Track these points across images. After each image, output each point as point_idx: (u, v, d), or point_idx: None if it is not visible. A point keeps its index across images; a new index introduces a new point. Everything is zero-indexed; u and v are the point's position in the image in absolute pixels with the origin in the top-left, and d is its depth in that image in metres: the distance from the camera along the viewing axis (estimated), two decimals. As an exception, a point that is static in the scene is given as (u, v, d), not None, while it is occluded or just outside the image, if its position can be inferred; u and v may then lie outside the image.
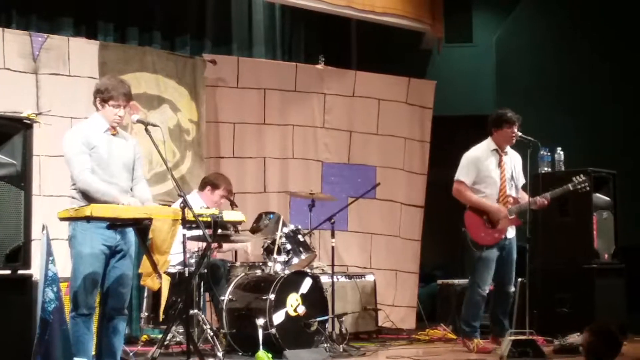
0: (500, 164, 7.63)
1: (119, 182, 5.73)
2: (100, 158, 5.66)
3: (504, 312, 7.66)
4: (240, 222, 6.03)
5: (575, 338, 7.17)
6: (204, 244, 6.44)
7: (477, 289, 7.54)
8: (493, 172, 7.60)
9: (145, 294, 7.45)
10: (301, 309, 7.23)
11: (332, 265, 8.11)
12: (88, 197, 5.55)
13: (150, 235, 5.50)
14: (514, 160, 7.75)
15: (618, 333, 4.88)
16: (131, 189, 5.86)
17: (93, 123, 5.80)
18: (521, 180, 7.73)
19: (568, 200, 8.33)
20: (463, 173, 7.65)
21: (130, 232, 5.75)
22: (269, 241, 7.64)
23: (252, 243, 8.10)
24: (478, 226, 7.54)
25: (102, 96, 5.74)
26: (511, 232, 7.63)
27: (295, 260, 7.61)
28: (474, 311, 7.59)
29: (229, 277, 7.64)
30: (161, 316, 7.01)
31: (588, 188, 7.69)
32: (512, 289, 7.68)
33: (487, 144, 7.69)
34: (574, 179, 7.62)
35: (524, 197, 7.59)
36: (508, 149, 7.72)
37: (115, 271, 5.70)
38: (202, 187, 7.93)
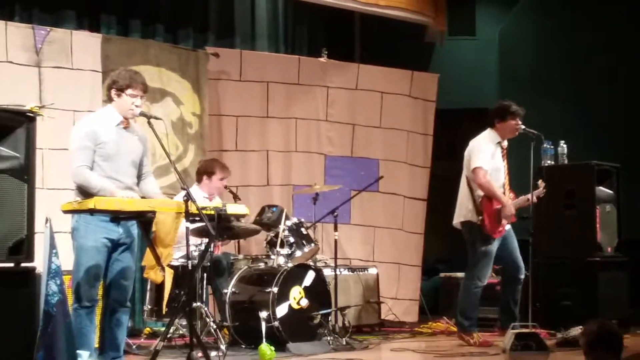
0: (503, 156, 7.61)
1: (124, 178, 5.72)
2: (108, 154, 5.65)
3: (515, 301, 7.56)
4: (243, 215, 6.03)
5: (578, 331, 7.16)
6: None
7: (477, 281, 7.49)
8: (499, 163, 7.58)
9: (148, 287, 7.47)
10: (304, 302, 7.25)
11: (335, 258, 8.11)
12: (84, 192, 5.56)
13: (153, 228, 5.51)
14: None
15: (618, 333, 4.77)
16: (138, 184, 5.88)
17: (105, 116, 5.78)
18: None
19: (571, 194, 8.34)
20: (482, 160, 7.48)
21: (133, 225, 5.75)
22: (272, 234, 7.65)
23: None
24: (494, 218, 7.47)
25: (119, 85, 5.72)
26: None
27: (298, 253, 7.62)
28: (471, 301, 7.51)
29: (232, 270, 7.65)
30: (164, 309, 7.03)
31: (542, 195, 7.71)
32: (523, 275, 7.56)
33: (492, 137, 7.63)
34: (538, 183, 7.66)
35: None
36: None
37: (118, 264, 5.71)
38: (198, 179, 7.93)
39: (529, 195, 7.49)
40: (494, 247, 7.48)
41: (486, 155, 7.54)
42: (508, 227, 7.59)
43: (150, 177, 6.02)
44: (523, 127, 7.51)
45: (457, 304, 7.69)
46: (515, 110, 7.52)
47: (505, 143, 7.67)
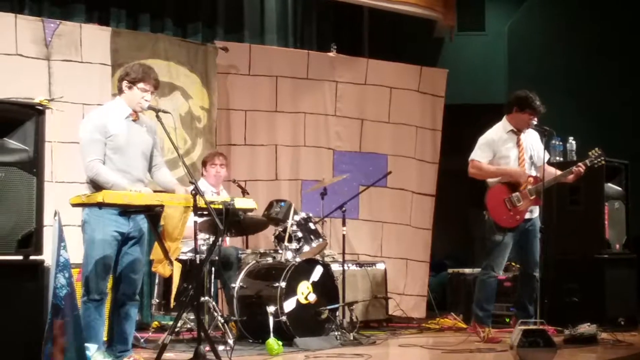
0: (518, 144, 7.55)
1: (135, 170, 5.74)
2: (118, 146, 5.66)
3: (530, 298, 7.52)
4: (251, 210, 6.03)
5: (585, 328, 7.17)
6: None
7: (491, 271, 7.49)
8: (511, 152, 7.52)
9: (157, 281, 7.48)
10: (312, 297, 7.24)
11: (343, 253, 8.10)
12: (96, 186, 5.57)
13: (161, 222, 5.52)
14: (531, 138, 7.64)
15: None
16: (152, 175, 5.91)
17: (114, 108, 5.80)
18: (543, 157, 7.58)
19: (580, 190, 8.31)
20: (477, 153, 7.55)
21: (143, 219, 5.76)
22: (280, 229, 7.64)
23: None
24: (500, 208, 7.44)
25: (132, 77, 5.75)
26: (533, 213, 7.55)
27: (306, 248, 7.62)
28: (487, 293, 7.52)
29: (240, 265, 7.65)
30: (172, 303, 7.05)
31: (604, 162, 7.58)
32: (537, 272, 7.52)
33: (503, 125, 7.59)
34: (589, 153, 7.53)
35: (551, 172, 7.49)
36: None
37: (127, 257, 5.73)
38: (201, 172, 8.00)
39: (574, 168, 7.44)
40: (509, 238, 7.45)
41: (481, 149, 7.54)
42: (533, 219, 7.54)
43: (164, 167, 6.05)
44: (534, 123, 7.47)
45: (474, 294, 7.69)
46: (536, 107, 7.45)
47: (525, 132, 7.60)
